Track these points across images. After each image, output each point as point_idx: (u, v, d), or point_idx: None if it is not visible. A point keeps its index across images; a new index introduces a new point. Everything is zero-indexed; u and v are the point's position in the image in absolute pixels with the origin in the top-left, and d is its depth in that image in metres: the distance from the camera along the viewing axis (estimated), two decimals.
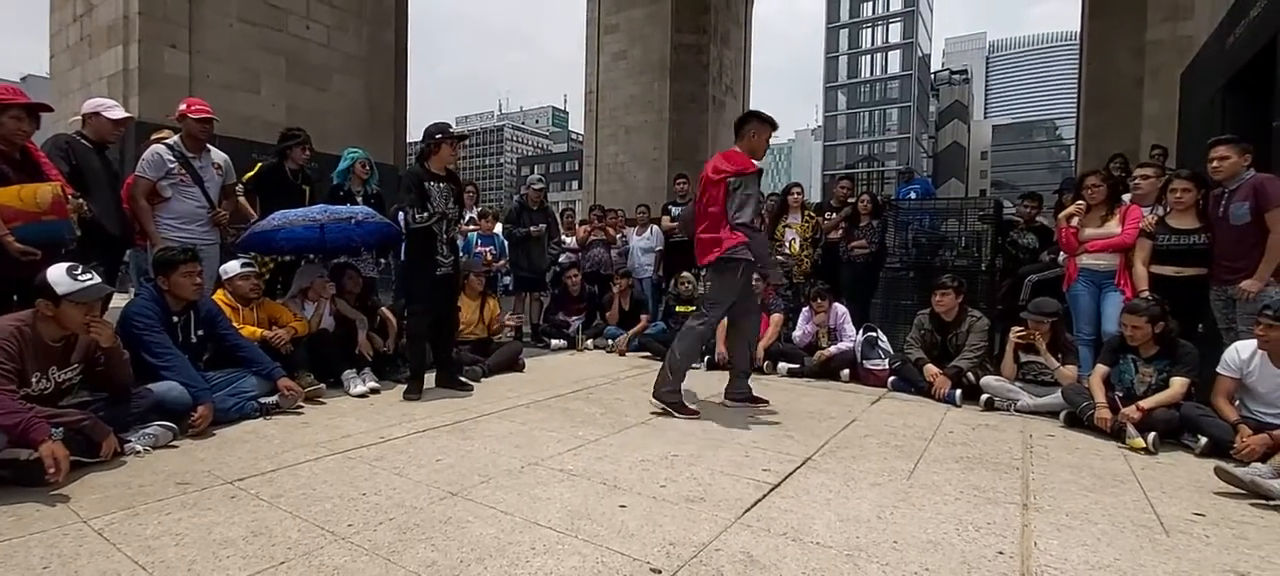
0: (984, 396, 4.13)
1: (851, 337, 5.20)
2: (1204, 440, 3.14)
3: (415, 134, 4.77)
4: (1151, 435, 3.22)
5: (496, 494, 2.34)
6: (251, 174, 4.70)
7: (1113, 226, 4.29)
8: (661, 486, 2.47)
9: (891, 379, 4.73)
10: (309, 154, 4.80)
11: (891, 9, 69.37)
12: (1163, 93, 10.07)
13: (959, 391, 4.23)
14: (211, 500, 2.20)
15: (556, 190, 57.49)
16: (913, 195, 8.64)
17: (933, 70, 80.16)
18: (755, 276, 4.06)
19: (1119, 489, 2.64)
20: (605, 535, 2.01)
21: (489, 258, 6.50)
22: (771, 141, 4.23)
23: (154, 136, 4.19)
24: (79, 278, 2.52)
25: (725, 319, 4.17)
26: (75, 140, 3.67)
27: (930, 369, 4.42)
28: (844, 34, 72.09)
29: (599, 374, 5.05)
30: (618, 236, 7.58)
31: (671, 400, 3.73)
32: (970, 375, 4.29)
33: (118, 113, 3.87)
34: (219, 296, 3.78)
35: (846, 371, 5.04)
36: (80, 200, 3.24)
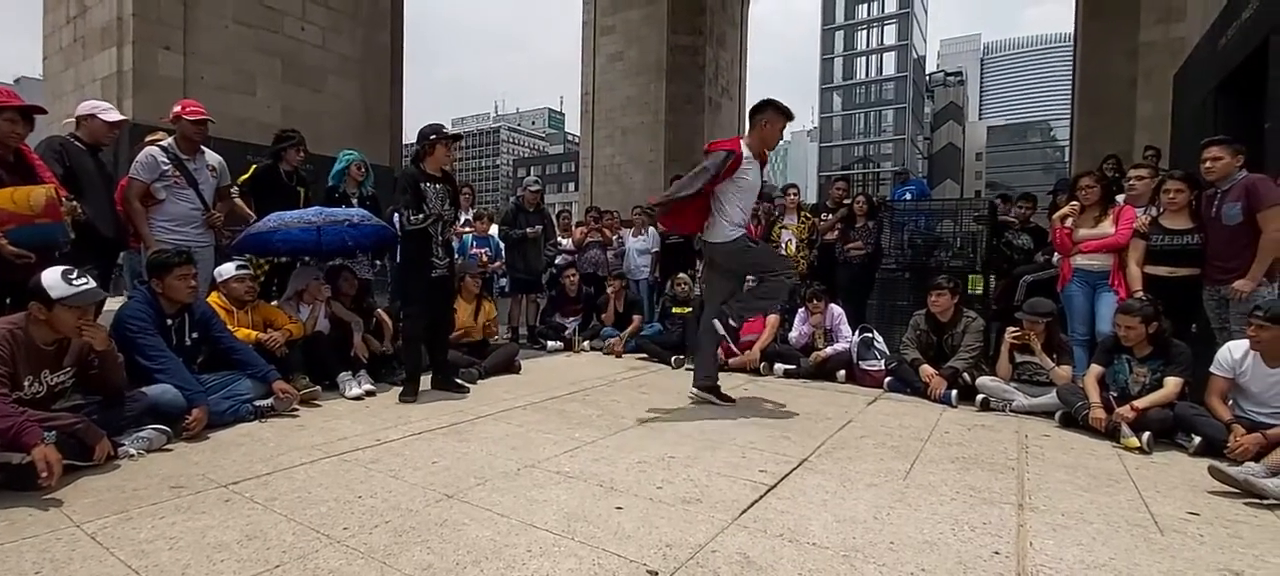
0: (979, 397, 4.14)
1: (847, 338, 5.21)
2: (1198, 439, 3.16)
3: (410, 136, 4.76)
4: (1146, 435, 3.23)
5: (493, 496, 2.33)
6: (246, 176, 4.68)
7: (1106, 227, 4.31)
8: (658, 488, 2.47)
9: (887, 380, 4.74)
10: (303, 155, 4.78)
11: (887, 11, 69.61)
12: (1156, 94, 10.14)
13: (955, 392, 4.24)
14: (206, 503, 2.19)
15: (553, 192, 57.47)
16: (908, 196, 8.68)
17: (928, 72, 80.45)
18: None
19: (1114, 488, 2.65)
20: (602, 537, 2.00)
21: (484, 259, 6.49)
22: None
23: (148, 138, 4.17)
24: (74, 282, 2.51)
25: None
26: (69, 142, 3.65)
27: (926, 369, 4.43)
28: (839, 36, 72.29)
29: (595, 376, 5.05)
30: (614, 238, 7.58)
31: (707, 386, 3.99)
32: (966, 376, 4.31)
33: (113, 115, 3.85)
34: (213, 299, 3.76)
35: (842, 372, 5.05)
36: (74, 203, 3.22)
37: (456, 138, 4.36)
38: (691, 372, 4.37)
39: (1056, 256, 4.84)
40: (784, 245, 6.37)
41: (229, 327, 3.61)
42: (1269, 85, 4.56)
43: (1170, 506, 2.45)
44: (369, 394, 4.00)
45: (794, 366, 5.23)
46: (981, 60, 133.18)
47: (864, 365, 4.97)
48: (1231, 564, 1.97)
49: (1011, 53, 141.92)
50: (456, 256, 4.74)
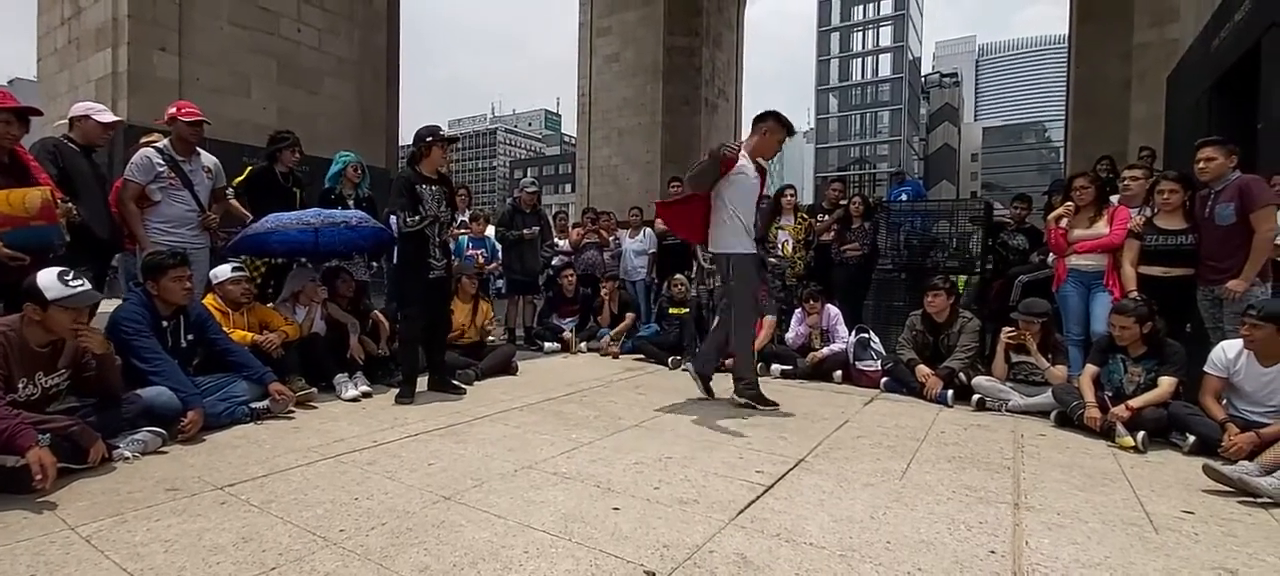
0: (975, 397, 4.16)
1: (844, 339, 5.22)
2: (1192, 438, 3.17)
3: (407, 137, 4.76)
4: (1140, 434, 3.25)
5: (490, 497, 2.33)
6: (241, 178, 4.66)
7: (1101, 227, 4.33)
8: (655, 488, 2.47)
9: (884, 380, 4.75)
10: (299, 156, 4.78)
11: (882, 13, 69.86)
12: (1150, 95, 10.18)
13: (951, 392, 4.25)
14: (201, 506, 2.18)
15: (550, 193, 57.44)
16: (904, 197, 8.72)
17: (923, 73, 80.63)
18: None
19: (1109, 487, 2.66)
20: (599, 538, 2.00)
21: (480, 260, 6.49)
22: None
23: (143, 140, 4.16)
24: (70, 283, 2.50)
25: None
26: (63, 143, 3.63)
27: (922, 370, 4.44)
28: (835, 37, 72.49)
29: (592, 377, 5.05)
30: (610, 239, 7.59)
31: (751, 394, 3.98)
32: (962, 376, 4.32)
33: (107, 117, 3.84)
34: (209, 301, 3.75)
35: (839, 373, 5.06)
36: (69, 205, 3.21)
37: (453, 140, 4.36)
38: (690, 373, 4.37)
39: (1051, 257, 4.86)
40: (780, 246, 6.38)
41: (225, 329, 3.60)
42: (1262, 86, 4.60)
43: (1165, 505, 2.46)
44: (365, 395, 3.99)
45: (790, 367, 5.24)
46: (976, 62, 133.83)
47: (860, 365, 4.98)
48: (1226, 562, 1.98)
49: (1006, 54, 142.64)
50: (453, 258, 4.73)
